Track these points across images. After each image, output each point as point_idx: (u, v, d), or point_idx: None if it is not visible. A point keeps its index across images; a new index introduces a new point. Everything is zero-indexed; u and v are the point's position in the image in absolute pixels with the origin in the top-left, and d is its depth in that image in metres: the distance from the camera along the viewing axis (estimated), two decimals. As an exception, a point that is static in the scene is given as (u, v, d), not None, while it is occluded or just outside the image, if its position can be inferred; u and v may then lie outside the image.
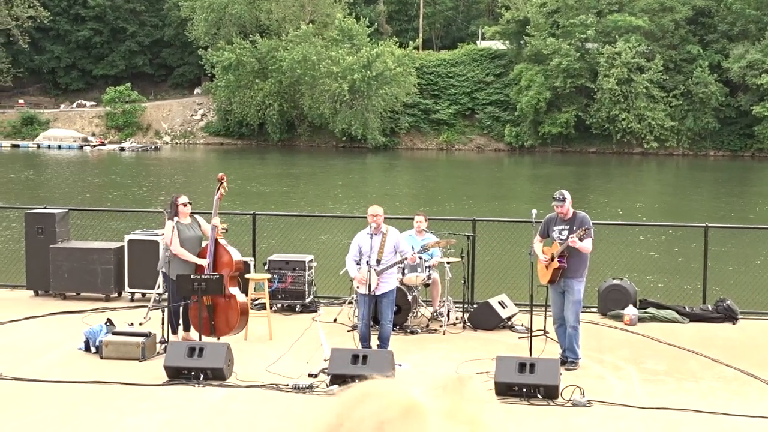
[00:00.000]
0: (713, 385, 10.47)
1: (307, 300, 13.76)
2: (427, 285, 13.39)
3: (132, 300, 14.30)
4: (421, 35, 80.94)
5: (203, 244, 11.93)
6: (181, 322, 11.89)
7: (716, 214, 33.11)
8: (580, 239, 10.84)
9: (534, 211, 11.36)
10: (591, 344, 11.90)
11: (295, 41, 71.84)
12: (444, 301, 13.11)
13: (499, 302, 13.11)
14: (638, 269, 19.97)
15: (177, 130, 78.08)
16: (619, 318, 13.36)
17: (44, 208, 15.36)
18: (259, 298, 13.59)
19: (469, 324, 12.94)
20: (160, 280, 12.92)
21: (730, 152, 68.67)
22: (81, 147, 70.87)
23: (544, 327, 11.97)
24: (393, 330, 11.72)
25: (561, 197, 11.08)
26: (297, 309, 13.69)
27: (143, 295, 14.18)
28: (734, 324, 13.33)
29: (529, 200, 36.41)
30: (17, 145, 72.54)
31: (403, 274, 12.64)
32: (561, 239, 11.00)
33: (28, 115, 77.02)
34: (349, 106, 69.93)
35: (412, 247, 11.83)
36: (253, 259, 14.40)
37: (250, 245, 14.93)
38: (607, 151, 69.56)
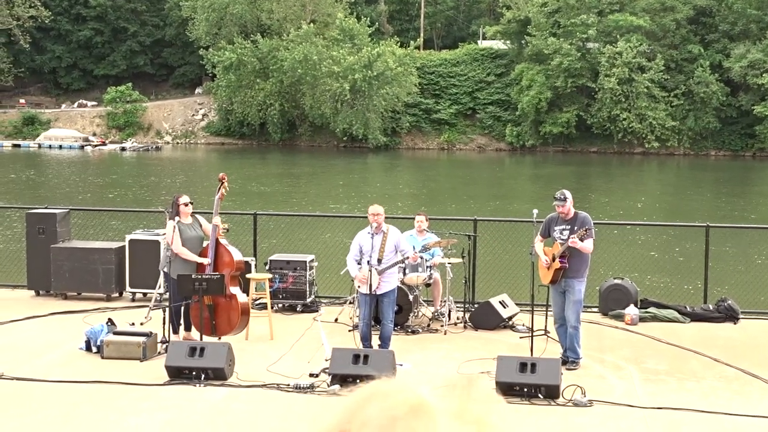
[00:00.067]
0: (714, 385, 10.46)
1: (308, 300, 13.77)
2: (428, 285, 13.39)
3: (133, 300, 14.30)
4: (422, 35, 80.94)
5: (204, 243, 11.93)
6: (182, 321, 11.90)
7: (717, 214, 33.10)
8: (581, 239, 10.83)
9: (535, 211, 11.35)
10: (592, 344, 11.90)
11: (296, 41, 71.86)
12: (445, 301, 13.12)
13: (500, 302, 13.10)
14: (639, 269, 19.96)
15: (178, 130, 78.11)
16: (620, 318, 13.36)
17: (45, 207, 15.36)
18: (260, 298, 13.60)
19: (470, 324, 12.94)
20: (161, 279, 12.92)
21: (731, 152, 68.65)
22: (82, 147, 70.89)
23: (545, 327, 11.97)
24: (394, 330, 11.72)
25: (562, 197, 11.07)
26: (298, 309, 13.70)
27: (144, 294, 14.18)
28: (735, 324, 13.32)
29: (530, 200, 36.40)
30: (18, 145, 72.57)
31: (404, 273, 12.64)
32: (562, 239, 10.99)
33: (29, 115, 77.06)
34: (350, 105, 69.94)
35: (413, 247, 11.83)
36: (254, 258, 14.40)
37: (251, 245, 14.93)
38: (608, 150, 69.56)
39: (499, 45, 76.01)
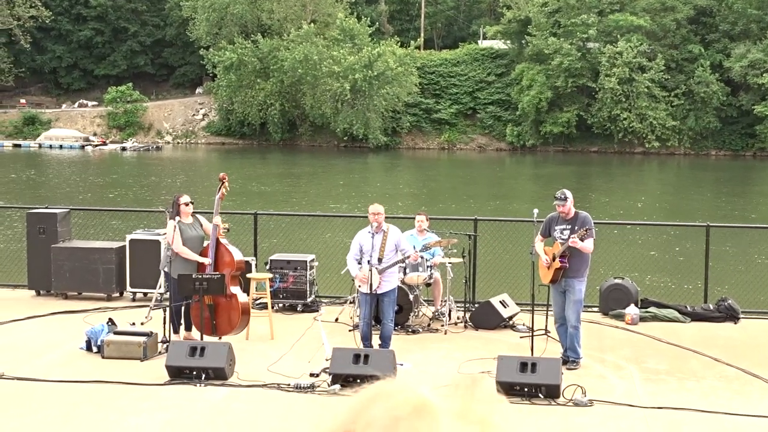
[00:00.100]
0: (715, 385, 10.46)
1: (309, 299, 13.77)
2: (428, 284, 13.39)
3: (133, 300, 14.30)
4: (422, 35, 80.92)
5: (205, 243, 11.94)
6: (182, 321, 11.90)
7: (718, 214, 33.09)
8: (582, 239, 10.83)
9: (535, 211, 11.35)
10: (592, 344, 11.90)
11: (296, 41, 71.87)
12: (445, 301, 13.12)
13: (500, 302, 13.11)
14: (639, 269, 19.96)
15: (178, 130, 78.12)
16: (620, 317, 13.36)
17: (46, 207, 15.37)
18: (260, 298, 13.61)
19: (470, 323, 12.94)
20: (162, 279, 12.92)
21: (731, 152, 68.65)
22: (82, 147, 70.90)
23: (546, 326, 11.98)
24: (394, 329, 11.73)
25: (563, 197, 11.07)
26: (298, 308, 13.70)
27: (145, 294, 14.18)
28: (736, 323, 13.32)
29: (530, 200, 36.40)
30: (19, 145, 72.58)
31: (405, 273, 12.64)
32: (562, 239, 10.99)
33: (29, 115, 77.07)
34: (351, 105, 69.94)
35: (414, 246, 11.83)
36: (254, 258, 14.40)
37: (251, 245, 14.94)
38: (608, 150, 69.55)
39: (499, 45, 76.02)
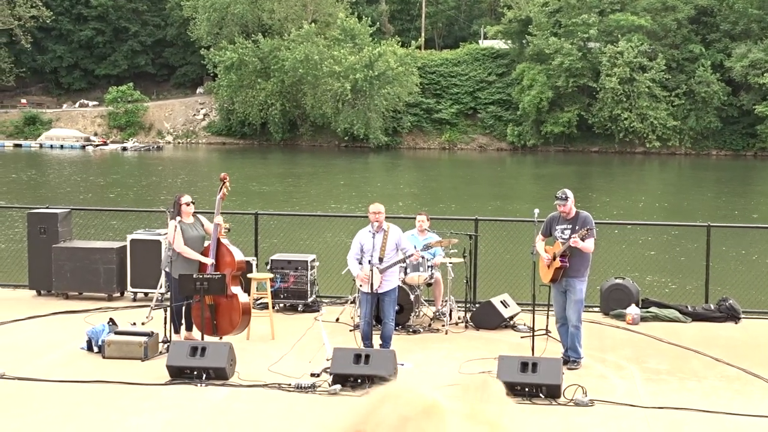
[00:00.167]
0: (716, 385, 10.46)
1: (310, 299, 13.77)
2: (429, 284, 13.40)
3: (134, 300, 14.30)
4: (423, 35, 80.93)
5: (206, 243, 11.94)
6: (183, 321, 11.90)
7: (718, 214, 33.09)
8: (583, 239, 10.83)
9: (536, 211, 11.35)
10: (593, 343, 11.89)
11: (297, 41, 71.89)
12: (446, 301, 13.12)
13: (501, 302, 13.10)
14: (640, 269, 19.96)
15: (179, 130, 78.15)
16: (621, 317, 13.36)
17: (47, 207, 15.36)
18: (261, 298, 13.61)
19: (471, 323, 12.94)
20: (163, 279, 12.92)
21: (732, 151, 68.66)
22: (83, 147, 70.93)
23: (546, 326, 11.98)
24: (395, 329, 11.73)
25: (563, 196, 11.07)
26: (299, 308, 13.70)
27: (146, 294, 14.18)
28: (737, 323, 13.32)
29: (531, 200, 36.41)
30: (20, 145, 72.62)
31: (406, 273, 12.64)
32: (563, 238, 10.99)
33: (30, 115, 77.11)
34: (352, 105, 69.95)
35: (414, 246, 11.82)
36: (255, 258, 14.40)
37: (252, 245, 14.94)
38: (609, 150, 69.56)
39: (500, 45, 76.05)
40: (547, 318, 11.91)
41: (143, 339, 11.09)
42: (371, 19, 74.26)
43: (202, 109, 79.46)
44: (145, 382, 10.14)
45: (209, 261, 11.68)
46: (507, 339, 12.34)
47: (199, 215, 12.25)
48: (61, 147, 70.68)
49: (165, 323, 11.45)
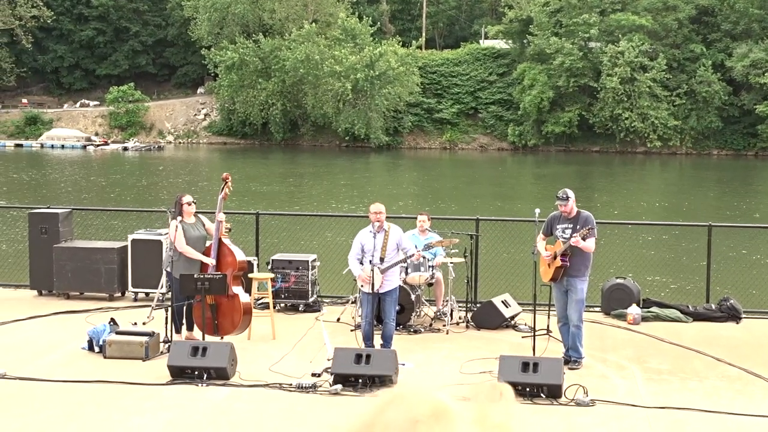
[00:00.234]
0: (717, 385, 10.46)
1: (311, 299, 13.77)
2: (430, 284, 13.39)
3: (135, 299, 14.31)
4: (424, 34, 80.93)
5: (207, 243, 11.94)
6: (184, 321, 11.91)
7: (719, 213, 33.08)
8: (584, 238, 10.83)
9: (537, 210, 11.35)
10: (594, 343, 11.89)
11: (298, 41, 71.90)
12: (447, 301, 13.12)
13: (502, 301, 13.10)
14: (641, 268, 19.96)
15: (180, 130, 78.15)
16: (622, 317, 13.36)
17: (48, 207, 15.37)
18: (262, 298, 13.61)
19: (472, 323, 12.94)
20: (164, 279, 12.93)
21: (733, 151, 68.64)
22: (84, 146, 70.95)
23: (548, 326, 11.97)
24: (396, 329, 11.73)
25: (564, 196, 11.07)
26: (300, 308, 13.70)
27: (147, 294, 14.19)
28: (738, 323, 13.31)
29: (532, 199, 36.41)
30: (21, 145, 72.64)
31: (407, 273, 12.64)
32: (564, 238, 10.99)
33: (31, 115, 77.14)
34: (352, 105, 69.96)
35: (415, 246, 11.82)
36: (256, 258, 14.40)
37: (253, 244, 14.94)
38: (610, 150, 69.55)
39: (501, 44, 76.05)
40: (548, 318, 11.91)
41: (144, 339, 11.09)
42: (372, 19, 74.26)
43: (203, 109, 79.48)
44: (146, 382, 10.15)
45: (211, 261, 11.69)
46: (508, 339, 12.34)
47: (200, 215, 12.25)
48: (62, 147, 70.70)
49: (166, 323, 11.46)
